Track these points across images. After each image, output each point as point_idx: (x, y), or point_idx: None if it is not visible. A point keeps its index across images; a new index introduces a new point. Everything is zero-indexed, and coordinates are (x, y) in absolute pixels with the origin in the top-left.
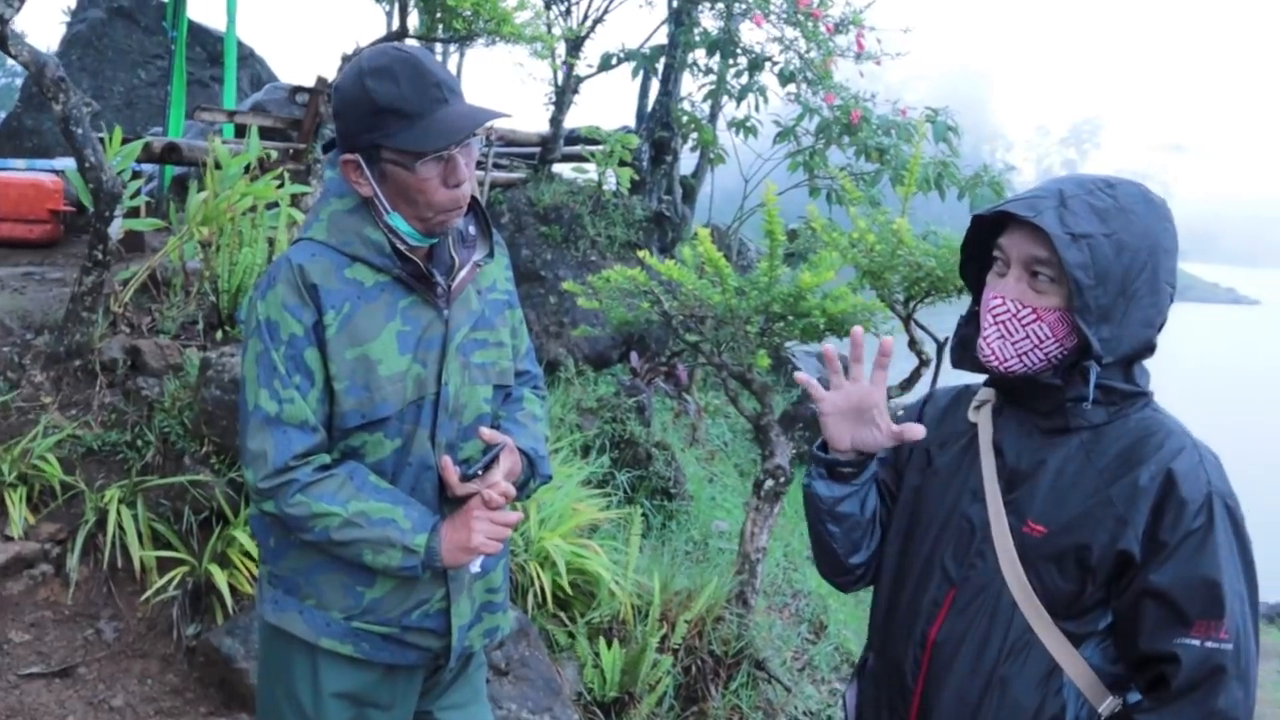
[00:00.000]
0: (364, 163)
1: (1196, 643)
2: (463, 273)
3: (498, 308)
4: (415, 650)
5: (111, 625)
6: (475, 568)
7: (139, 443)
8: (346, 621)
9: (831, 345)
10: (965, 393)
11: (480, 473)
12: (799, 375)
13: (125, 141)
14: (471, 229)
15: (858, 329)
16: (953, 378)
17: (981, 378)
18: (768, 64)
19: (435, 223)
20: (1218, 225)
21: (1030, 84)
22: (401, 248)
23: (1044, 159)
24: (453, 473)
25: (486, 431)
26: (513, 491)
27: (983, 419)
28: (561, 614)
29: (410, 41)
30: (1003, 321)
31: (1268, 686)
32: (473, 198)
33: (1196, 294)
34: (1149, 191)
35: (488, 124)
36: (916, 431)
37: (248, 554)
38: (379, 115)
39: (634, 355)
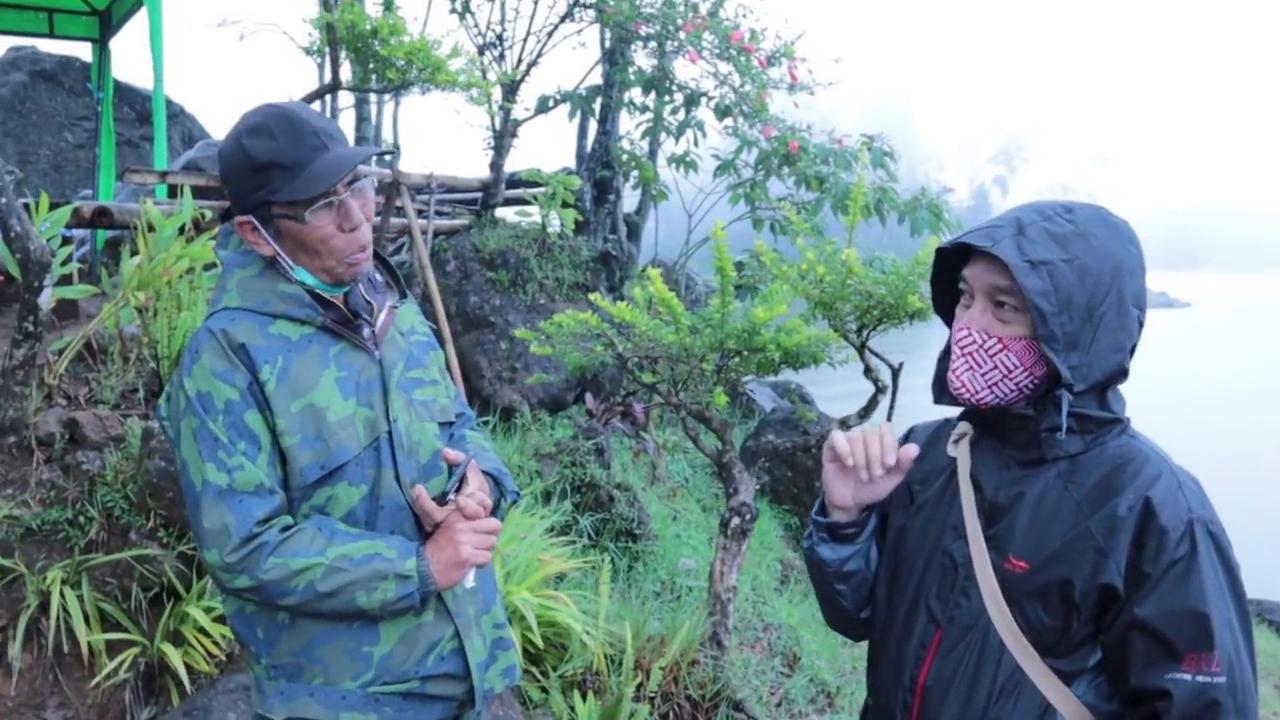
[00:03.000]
0: (258, 223)
1: (1188, 677)
2: (383, 315)
3: (423, 348)
4: (440, 702)
5: (59, 714)
6: (470, 582)
7: (81, 519)
8: (363, 689)
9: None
10: (945, 427)
11: (454, 496)
12: (834, 435)
13: (53, 207)
14: (378, 275)
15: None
16: (910, 403)
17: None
18: (703, 99)
19: (342, 271)
20: (1145, 233)
21: (958, 105)
22: (323, 293)
23: (976, 177)
24: (428, 499)
25: (450, 452)
26: (489, 501)
27: (961, 452)
28: (533, 669)
29: (344, 93)
30: (970, 353)
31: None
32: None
33: None
34: (1110, 214)
35: (432, 172)
36: (910, 451)
37: (202, 630)
38: (260, 172)
39: (589, 397)
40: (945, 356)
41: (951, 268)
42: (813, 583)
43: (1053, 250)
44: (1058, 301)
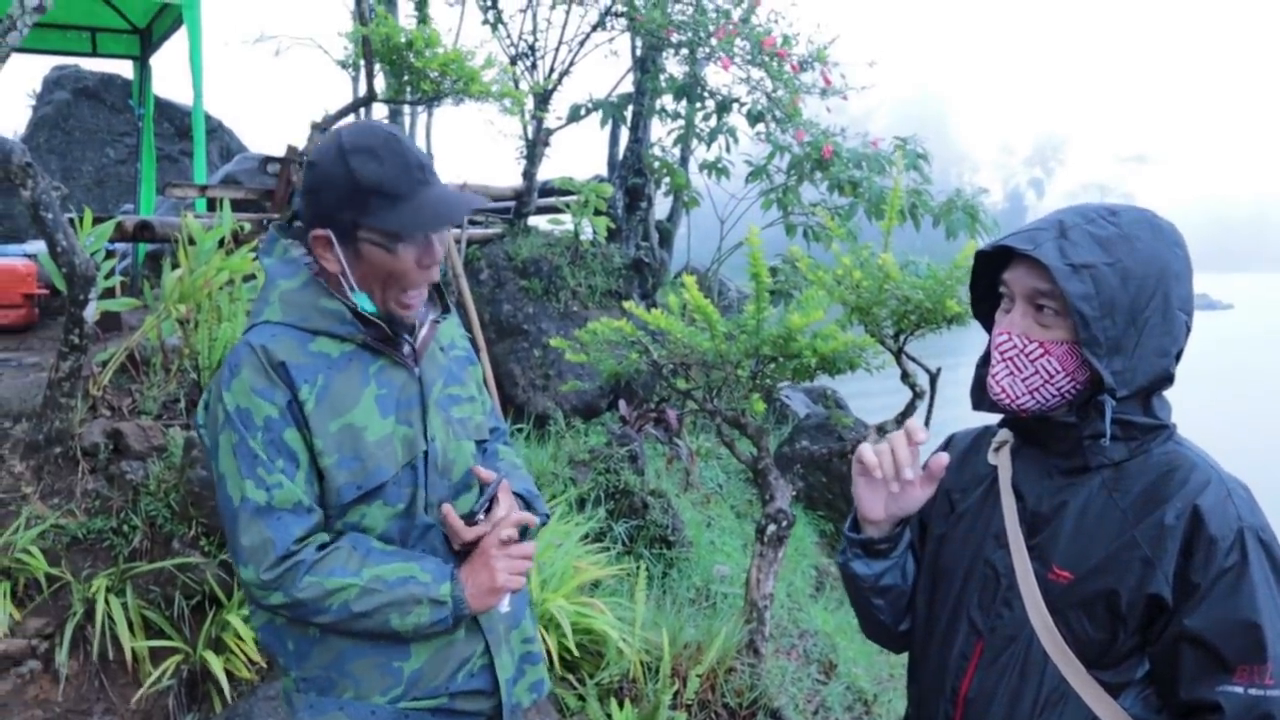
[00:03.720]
0: (336, 239)
1: (1240, 690)
2: (423, 331)
3: (462, 364)
4: (467, 718)
5: None
6: (505, 607)
7: (125, 528)
8: (392, 705)
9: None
10: (985, 434)
11: (482, 515)
12: (862, 448)
13: (97, 221)
14: None
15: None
16: (948, 409)
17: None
18: (735, 105)
19: (395, 308)
20: (1186, 232)
21: (991, 104)
22: (364, 312)
23: (1011, 179)
24: (455, 517)
25: (481, 470)
26: (527, 519)
27: (1002, 461)
28: (570, 676)
29: (378, 105)
30: (1010, 358)
31: None
32: None
33: None
34: (1156, 217)
35: (465, 181)
36: (941, 460)
37: (243, 638)
38: (362, 194)
39: (622, 403)
40: (984, 362)
41: (991, 271)
42: (849, 596)
43: (1095, 253)
44: (1100, 305)
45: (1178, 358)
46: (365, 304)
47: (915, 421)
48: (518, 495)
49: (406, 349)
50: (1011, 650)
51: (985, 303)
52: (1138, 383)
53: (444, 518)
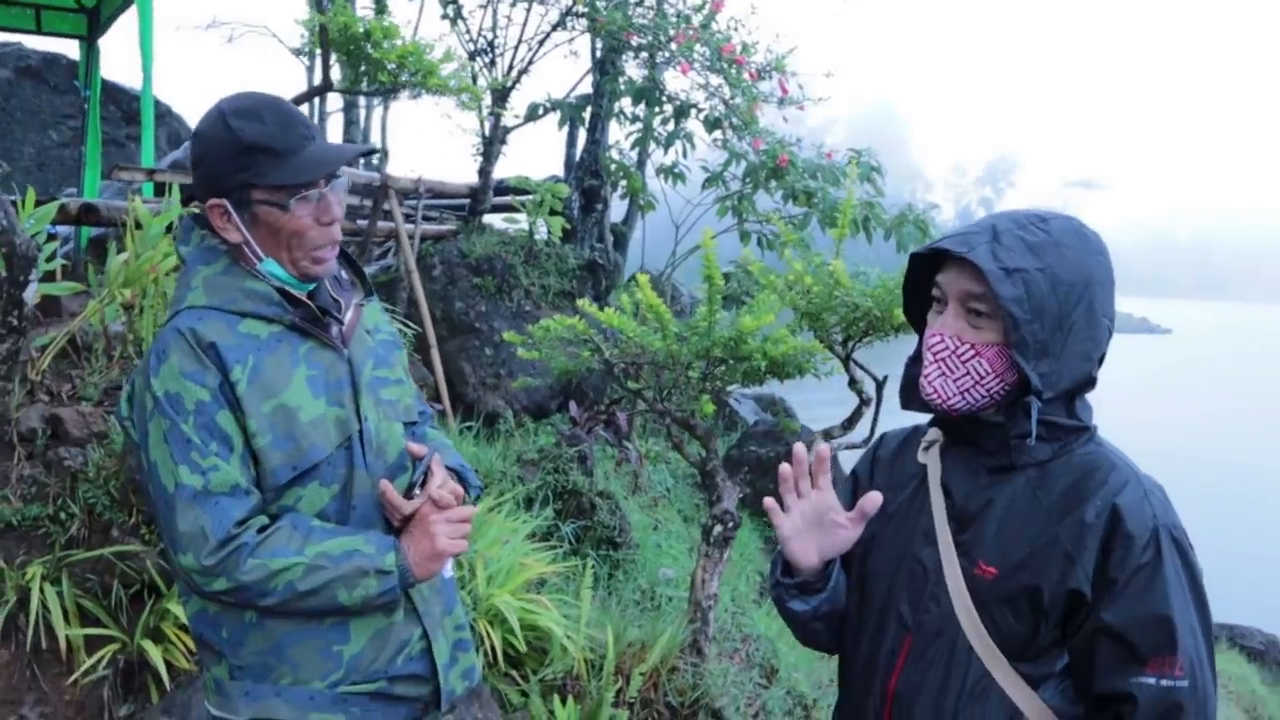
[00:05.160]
0: (231, 207)
1: (1152, 680)
2: (349, 313)
3: (388, 347)
4: (405, 703)
5: (36, 711)
6: (449, 572)
7: (62, 516)
8: (331, 689)
9: (786, 466)
10: (915, 434)
11: (419, 490)
12: (766, 501)
13: (39, 203)
14: (343, 273)
15: (799, 446)
16: (893, 416)
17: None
18: (693, 111)
19: (308, 266)
20: (1129, 257)
21: (947, 124)
22: (291, 290)
23: (962, 198)
24: (394, 493)
25: (413, 445)
26: (461, 490)
27: (932, 459)
28: (514, 672)
29: (332, 96)
30: (942, 359)
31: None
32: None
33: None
34: (1082, 225)
35: (420, 177)
36: (874, 499)
37: (182, 626)
38: (248, 154)
39: (573, 404)
40: (914, 362)
41: (924, 274)
42: (785, 622)
43: (1027, 258)
44: (1030, 309)
45: (1100, 362)
46: (276, 270)
47: (801, 449)
48: (450, 469)
49: (335, 330)
50: (938, 644)
51: (917, 305)
52: (1062, 385)
53: (382, 493)
